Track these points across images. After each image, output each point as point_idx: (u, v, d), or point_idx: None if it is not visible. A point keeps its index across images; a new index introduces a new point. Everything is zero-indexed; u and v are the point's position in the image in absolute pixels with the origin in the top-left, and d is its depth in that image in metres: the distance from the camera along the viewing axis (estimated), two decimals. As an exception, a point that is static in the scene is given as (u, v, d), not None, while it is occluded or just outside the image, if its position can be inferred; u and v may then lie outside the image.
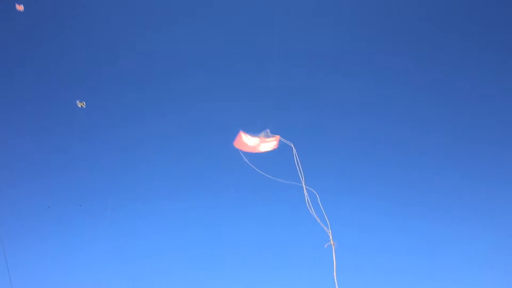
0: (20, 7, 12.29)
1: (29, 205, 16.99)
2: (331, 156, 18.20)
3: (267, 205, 17.25)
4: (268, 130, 11.18)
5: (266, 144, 10.99)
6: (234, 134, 11.46)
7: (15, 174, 17.05)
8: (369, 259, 15.75)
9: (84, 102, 13.26)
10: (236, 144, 11.00)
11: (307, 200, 8.32)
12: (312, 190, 8.60)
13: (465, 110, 18.40)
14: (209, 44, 18.35)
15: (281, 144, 10.50)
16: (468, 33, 17.86)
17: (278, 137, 10.91)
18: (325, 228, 7.93)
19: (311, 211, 7.99)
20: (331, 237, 7.69)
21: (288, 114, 19.11)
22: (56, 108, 17.89)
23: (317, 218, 7.85)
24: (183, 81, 19.21)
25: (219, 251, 17.12)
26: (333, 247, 7.86)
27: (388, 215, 17.00)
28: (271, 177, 10.23)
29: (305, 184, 8.69)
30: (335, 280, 7.27)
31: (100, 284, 14.84)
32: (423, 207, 17.09)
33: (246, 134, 11.15)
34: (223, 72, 18.92)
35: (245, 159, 10.76)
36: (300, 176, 8.58)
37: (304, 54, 18.41)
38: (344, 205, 16.75)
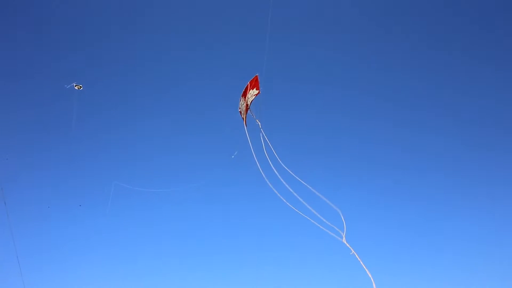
0: (78, 87, 12.93)
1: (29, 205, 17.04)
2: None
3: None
4: (257, 120, 11.65)
5: (243, 109, 11.43)
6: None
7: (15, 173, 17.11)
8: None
9: (81, 85, 13.34)
10: (253, 80, 11.33)
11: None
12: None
13: (467, 113, 18.42)
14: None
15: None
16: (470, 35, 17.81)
17: (245, 119, 11.47)
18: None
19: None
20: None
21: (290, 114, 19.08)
22: (55, 106, 17.87)
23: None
24: (191, 85, 19.22)
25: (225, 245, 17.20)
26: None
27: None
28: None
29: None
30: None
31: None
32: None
33: (255, 94, 11.55)
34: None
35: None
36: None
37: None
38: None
